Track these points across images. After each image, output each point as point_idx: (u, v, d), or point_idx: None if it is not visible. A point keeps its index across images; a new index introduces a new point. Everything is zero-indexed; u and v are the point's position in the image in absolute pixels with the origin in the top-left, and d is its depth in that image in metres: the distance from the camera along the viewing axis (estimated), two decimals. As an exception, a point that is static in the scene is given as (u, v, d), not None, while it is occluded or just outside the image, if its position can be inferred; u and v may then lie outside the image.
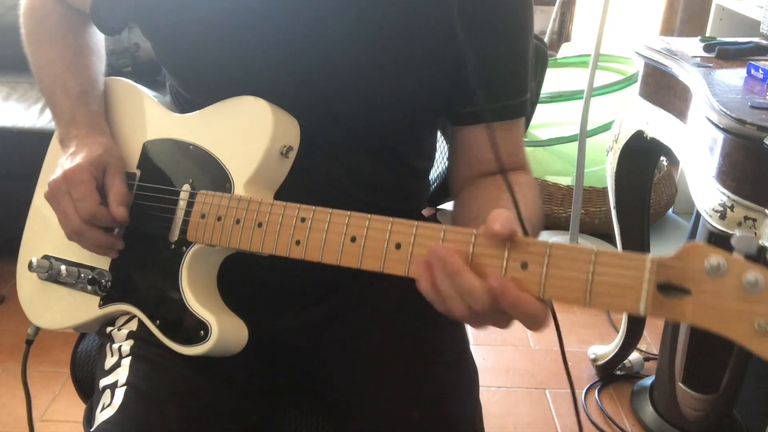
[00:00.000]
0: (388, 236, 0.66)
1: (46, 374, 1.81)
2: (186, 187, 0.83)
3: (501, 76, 0.84)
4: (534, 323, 0.59)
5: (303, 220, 0.71)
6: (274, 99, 0.81)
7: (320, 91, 0.81)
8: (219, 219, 0.78)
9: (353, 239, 0.68)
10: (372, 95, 0.81)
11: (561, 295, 0.58)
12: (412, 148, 0.91)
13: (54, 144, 0.96)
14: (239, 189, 0.79)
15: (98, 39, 0.99)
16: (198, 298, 0.79)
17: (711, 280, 0.53)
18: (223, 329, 0.78)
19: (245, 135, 0.80)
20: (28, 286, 0.96)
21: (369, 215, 0.68)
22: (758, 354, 0.52)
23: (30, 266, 0.87)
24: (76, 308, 0.90)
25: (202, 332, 0.77)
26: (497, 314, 0.60)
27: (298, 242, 0.71)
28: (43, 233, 0.94)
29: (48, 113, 2.09)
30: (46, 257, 0.92)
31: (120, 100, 0.94)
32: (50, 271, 0.88)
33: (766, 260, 1.33)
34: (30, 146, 2.05)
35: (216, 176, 0.81)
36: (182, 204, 0.82)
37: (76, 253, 0.90)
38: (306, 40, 0.79)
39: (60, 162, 0.84)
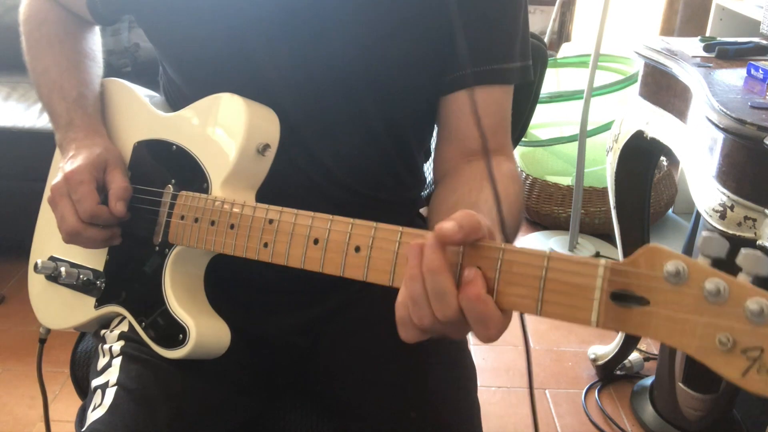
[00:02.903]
0: (348, 239, 0.64)
1: (46, 374, 1.79)
2: (168, 188, 0.83)
3: (487, 37, 0.81)
4: (486, 328, 0.55)
5: (271, 221, 0.70)
6: (273, 90, 0.80)
7: (326, 82, 0.80)
8: (196, 221, 0.77)
9: (316, 242, 0.66)
10: (381, 81, 0.81)
11: (513, 303, 0.54)
12: (414, 130, 0.90)
13: (57, 152, 0.97)
14: (216, 189, 0.78)
15: (95, 43, 0.99)
16: (180, 300, 0.79)
17: (670, 289, 0.48)
18: (202, 333, 0.78)
19: (221, 133, 0.80)
20: (37, 286, 0.97)
21: (331, 216, 0.65)
22: (721, 374, 0.46)
23: (35, 267, 0.88)
24: (75, 309, 0.91)
25: (180, 336, 0.77)
26: (458, 322, 0.56)
27: (266, 245, 0.70)
28: (51, 234, 0.95)
29: (48, 113, 2.09)
30: (52, 258, 0.93)
31: (113, 101, 0.95)
32: (54, 273, 0.88)
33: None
34: (30, 146, 2.06)
35: (195, 176, 0.80)
36: (164, 205, 0.82)
37: (77, 254, 0.91)
38: (309, 30, 0.79)
39: (60, 166, 0.85)
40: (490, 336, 0.55)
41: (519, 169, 2.68)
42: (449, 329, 0.58)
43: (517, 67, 0.84)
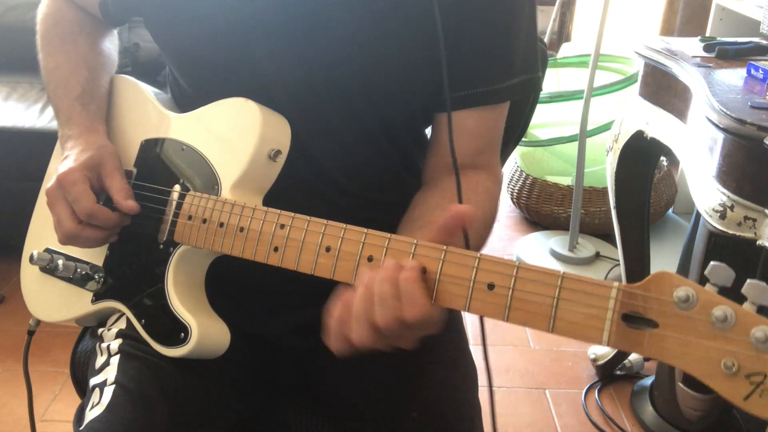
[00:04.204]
0: (361, 248, 0.65)
1: (46, 374, 1.81)
2: (176, 187, 0.83)
3: (477, 59, 0.81)
4: (413, 307, 0.59)
5: (282, 226, 0.71)
6: (272, 92, 0.81)
7: (323, 83, 0.80)
8: (204, 221, 0.78)
9: (328, 249, 0.67)
10: (376, 85, 0.81)
11: (525, 319, 0.57)
12: (411, 132, 0.91)
13: (58, 144, 0.97)
14: (226, 192, 0.79)
15: (111, 44, 1.00)
16: (182, 299, 0.80)
17: (679, 313, 0.50)
18: (203, 333, 0.78)
19: (234, 137, 0.80)
20: (30, 278, 0.97)
21: (344, 225, 0.67)
22: (724, 397, 0.49)
23: (31, 259, 0.88)
24: (71, 302, 0.91)
25: (182, 334, 0.78)
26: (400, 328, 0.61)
27: (276, 249, 0.71)
28: (47, 226, 0.95)
29: (48, 113, 2.09)
30: (47, 250, 0.92)
31: (122, 98, 0.95)
32: (50, 265, 0.88)
33: (766, 261, 1.33)
34: (30, 146, 2.06)
35: (205, 178, 0.81)
36: (172, 205, 0.82)
37: (74, 248, 0.90)
38: (308, 32, 0.79)
39: (57, 168, 0.85)
40: (414, 314, 0.59)
41: (520, 171, 2.68)
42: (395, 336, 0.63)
43: (515, 84, 0.83)
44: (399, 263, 0.61)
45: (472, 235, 0.71)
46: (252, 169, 0.79)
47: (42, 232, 0.97)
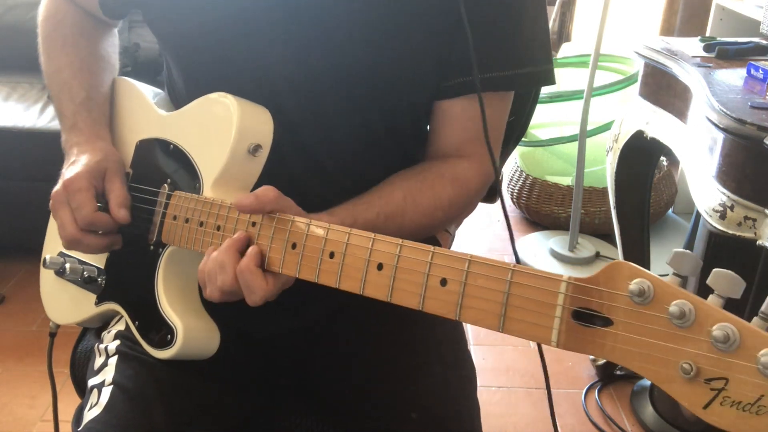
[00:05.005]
0: (324, 245, 0.64)
1: (46, 374, 1.81)
2: (164, 187, 0.83)
3: (468, 49, 0.79)
4: (252, 293, 0.68)
5: (253, 224, 0.71)
6: (274, 88, 0.80)
7: (324, 73, 0.80)
8: (187, 221, 0.78)
9: (294, 246, 0.66)
10: (379, 75, 0.80)
11: (476, 318, 0.53)
12: (413, 131, 0.91)
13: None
14: (207, 190, 0.78)
15: (111, 45, 0.99)
16: (171, 301, 0.80)
17: (634, 309, 0.45)
18: (189, 335, 0.78)
19: (213, 133, 0.79)
20: (47, 281, 0.98)
21: (309, 221, 0.66)
22: (685, 406, 0.43)
23: (44, 262, 0.89)
24: (78, 305, 0.92)
25: (169, 336, 0.78)
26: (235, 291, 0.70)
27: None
28: None
29: (48, 113, 2.09)
30: (60, 254, 0.93)
31: (120, 100, 0.95)
32: (61, 268, 0.89)
33: (766, 261, 1.33)
34: (30, 146, 2.06)
35: (188, 176, 0.81)
36: (160, 205, 0.82)
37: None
38: (309, 21, 0.79)
39: (62, 172, 0.85)
40: (255, 300, 0.69)
41: (520, 171, 2.68)
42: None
43: (518, 74, 0.82)
44: (234, 246, 0.68)
45: (416, 215, 0.79)
46: (231, 166, 0.77)
47: (57, 237, 0.98)
